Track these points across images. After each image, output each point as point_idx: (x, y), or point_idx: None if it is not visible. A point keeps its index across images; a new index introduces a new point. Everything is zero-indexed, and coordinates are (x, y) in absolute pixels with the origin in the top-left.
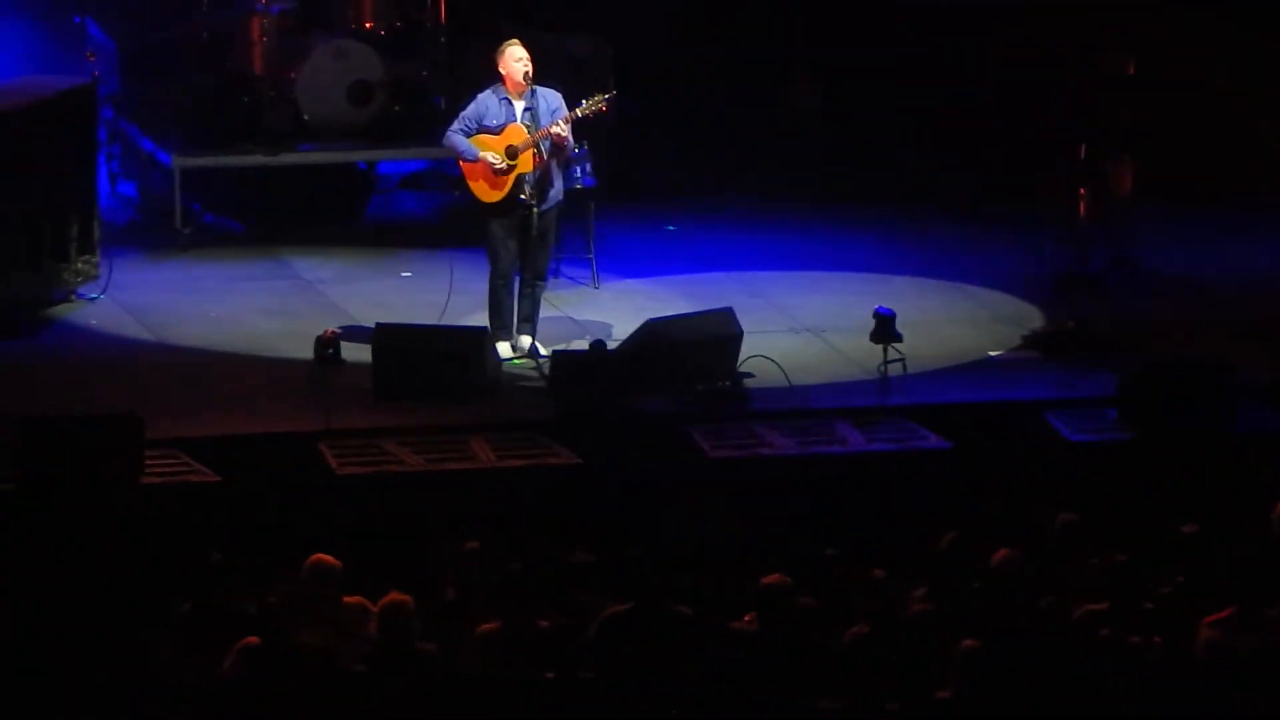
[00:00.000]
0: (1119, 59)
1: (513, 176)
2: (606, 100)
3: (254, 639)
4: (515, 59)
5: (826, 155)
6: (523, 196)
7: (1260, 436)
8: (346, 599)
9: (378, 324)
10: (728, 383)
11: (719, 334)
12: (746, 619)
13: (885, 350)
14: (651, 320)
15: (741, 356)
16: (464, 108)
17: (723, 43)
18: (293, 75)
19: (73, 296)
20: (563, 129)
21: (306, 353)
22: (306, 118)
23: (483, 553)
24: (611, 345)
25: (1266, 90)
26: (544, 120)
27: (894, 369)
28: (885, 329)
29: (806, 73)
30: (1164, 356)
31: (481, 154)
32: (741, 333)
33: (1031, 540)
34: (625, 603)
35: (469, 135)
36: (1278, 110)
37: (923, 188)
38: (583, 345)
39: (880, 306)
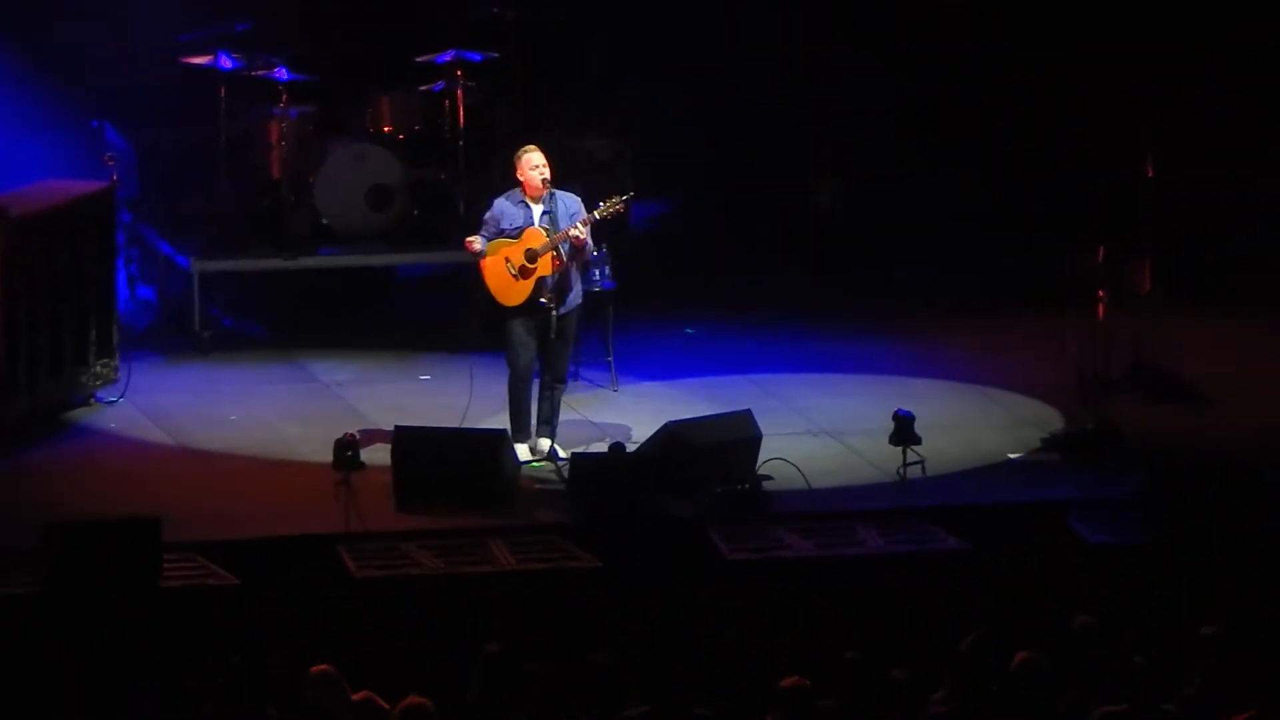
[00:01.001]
0: (1138, 160)
1: (532, 280)
2: (624, 202)
3: None
4: (532, 166)
5: (847, 257)
6: (542, 299)
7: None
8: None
9: (397, 426)
10: (747, 485)
11: (738, 436)
12: None
13: (904, 453)
14: (671, 423)
15: (760, 459)
16: (484, 213)
17: (744, 144)
18: (311, 179)
19: (91, 400)
20: (581, 231)
21: (325, 456)
22: (325, 221)
23: (503, 655)
24: (630, 448)
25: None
26: (562, 223)
27: (913, 471)
28: (904, 431)
29: (829, 175)
30: (1186, 458)
31: (500, 256)
32: (761, 435)
33: (1050, 642)
34: (645, 704)
35: (489, 240)
36: None
37: (941, 290)
38: (602, 448)
39: (899, 409)
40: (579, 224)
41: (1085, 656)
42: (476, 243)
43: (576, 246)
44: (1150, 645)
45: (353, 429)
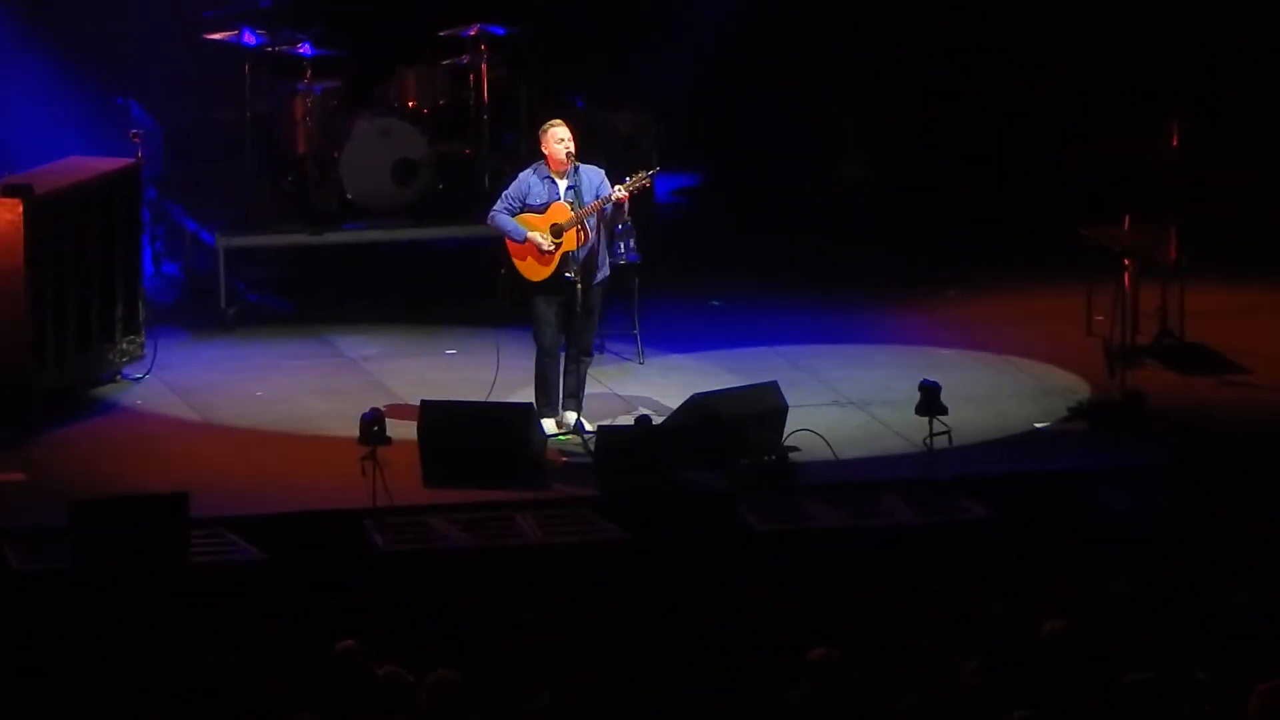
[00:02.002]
0: (1165, 129)
1: (558, 255)
2: (650, 176)
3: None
4: (557, 140)
5: (874, 229)
6: (568, 274)
7: None
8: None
9: (423, 401)
10: (773, 457)
11: (764, 408)
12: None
13: (931, 423)
14: (697, 395)
15: (787, 430)
16: (506, 186)
17: (769, 118)
18: (336, 154)
19: (118, 376)
20: (622, 194)
21: (352, 431)
22: (350, 196)
23: (528, 628)
24: (657, 420)
25: None
26: (587, 198)
27: (940, 441)
28: (931, 401)
29: (858, 148)
30: (1212, 426)
31: (529, 235)
32: (787, 406)
33: (1080, 610)
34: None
35: (513, 214)
36: None
37: (968, 261)
38: (628, 421)
39: (925, 379)
40: (614, 193)
41: (1116, 624)
42: (546, 243)
43: (618, 207)
44: (1180, 613)
45: (379, 403)
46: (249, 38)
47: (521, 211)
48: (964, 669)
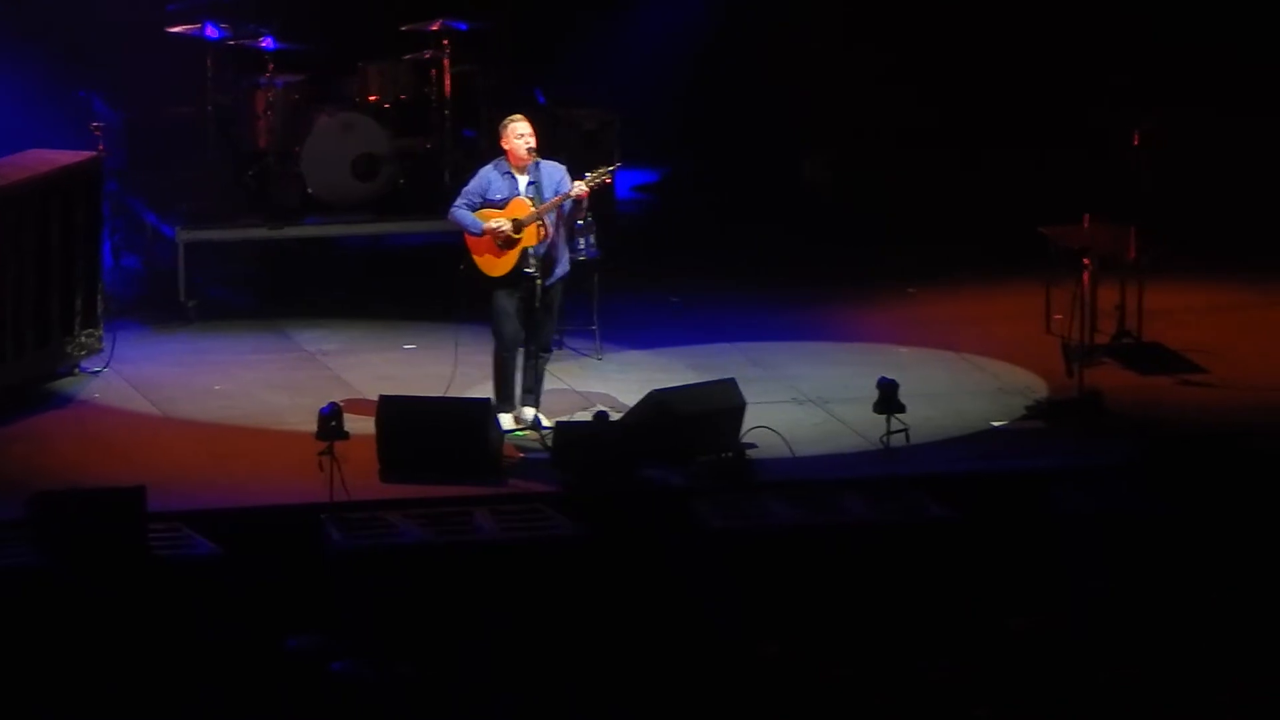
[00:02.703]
0: (1125, 129)
1: (518, 250)
2: (611, 173)
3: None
4: (518, 135)
5: (835, 227)
6: (527, 270)
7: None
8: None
9: (381, 396)
10: (731, 454)
11: (722, 405)
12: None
13: (889, 421)
14: (655, 391)
15: (745, 427)
16: (467, 182)
17: (732, 114)
18: (298, 149)
19: (76, 370)
20: (583, 189)
21: (310, 425)
22: (311, 191)
23: (490, 623)
24: (615, 417)
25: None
26: (547, 194)
27: (897, 439)
28: (889, 399)
29: (820, 146)
30: (1179, 430)
31: (486, 225)
32: (745, 403)
33: (1043, 608)
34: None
35: (474, 210)
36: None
37: (927, 259)
38: (586, 417)
39: (883, 377)
40: (575, 189)
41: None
42: (506, 226)
43: (579, 200)
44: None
45: (338, 398)
46: (211, 31)
47: (482, 207)
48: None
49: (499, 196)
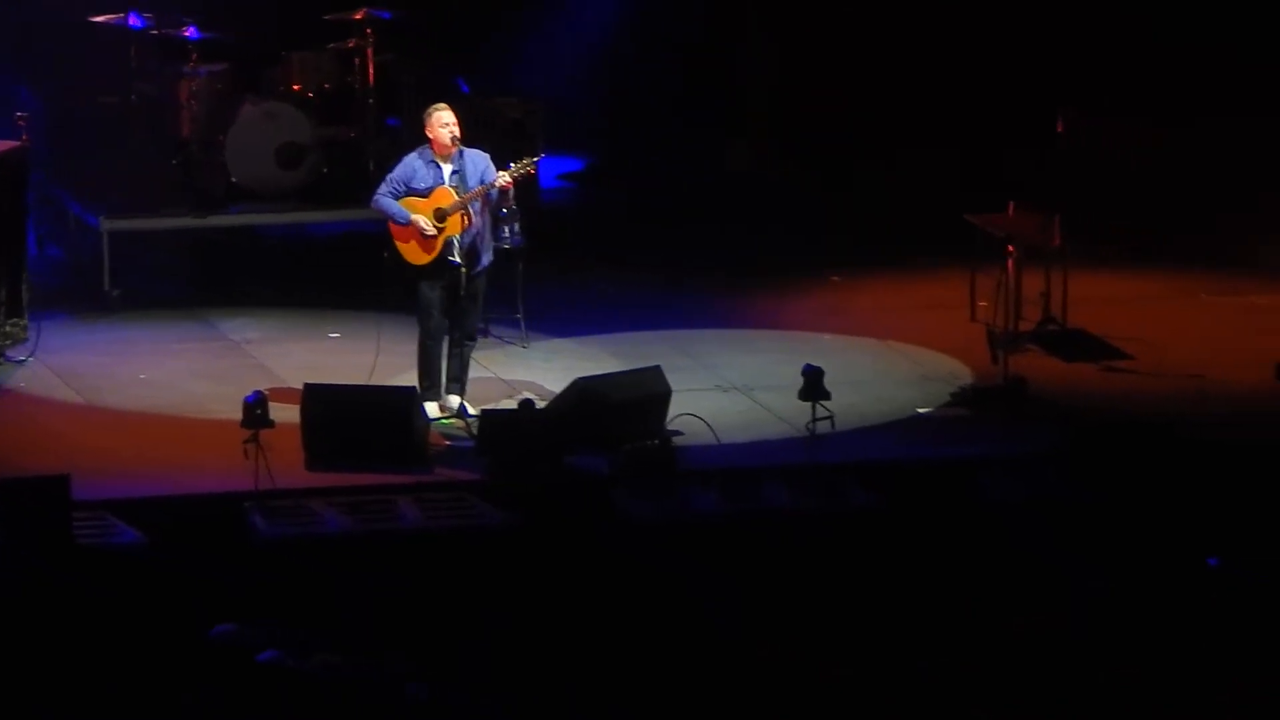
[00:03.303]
0: (1049, 116)
1: (441, 239)
2: (535, 162)
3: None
4: (442, 124)
5: (759, 215)
6: (452, 258)
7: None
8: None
9: (306, 385)
10: (656, 441)
11: (648, 392)
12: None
13: (814, 408)
14: (580, 379)
15: (670, 415)
16: (391, 170)
17: (654, 104)
18: (221, 138)
19: (1, 359)
20: (506, 179)
21: (235, 414)
22: (235, 180)
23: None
24: (540, 404)
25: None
26: (471, 183)
27: (823, 426)
28: (814, 386)
29: (744, 134)
30: (1102, 415)
31: (413, 219)
32: (670, 391)
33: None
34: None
35: (397, 198)
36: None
37: (852, 245)
38: (511, 404)
39: (808, 364)
40: (502, 176)
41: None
42: (429, 227)
43: (503, 192)
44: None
45: (262, 387)
46: (135, 20)
47: (406, 195)
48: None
49: (423, 185)
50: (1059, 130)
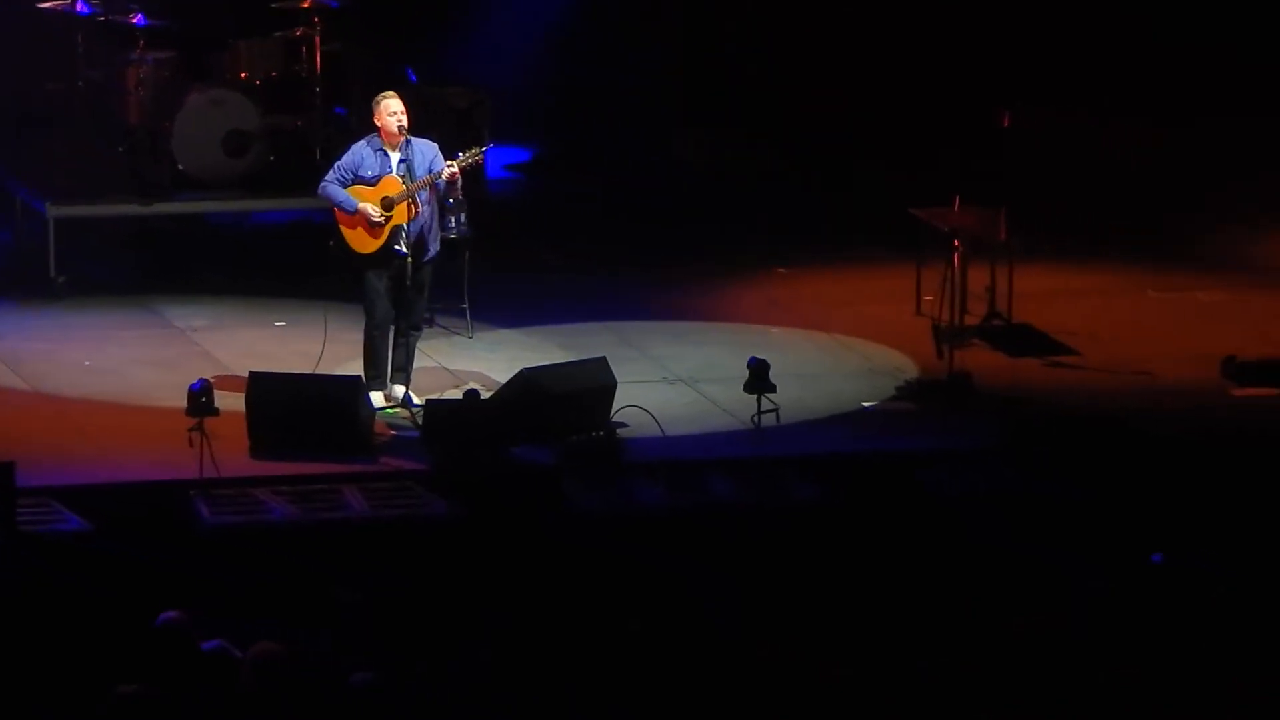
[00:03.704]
0: (994, 111)
1: (388, 228)
2: (483, 151)
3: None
4: (390, 112)
5: (705, 207)
6: (398, 247)
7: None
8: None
9: (251, 373)
10: (601, 433)
11: (593, 384)
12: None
13: (759, 401)
14: (525, 370)
15: (615, 406)
16: (339, 158)
17: (603, 93)
18: (168, 125)
19: None
20: (454, 169)
21: (180, 402)
22: (181, 167)
23: (357, 602)
24: (485, 395)
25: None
26: (419, 172)
27: (768, 419)
28: (759, 379)
29: (688, 125)
30: (1047, 409)
31: (360, 207)
32: (616, 383)
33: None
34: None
35: (345, 186)
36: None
37: (798, 237)
38: (456, 395)
39: (754, 357)
40: (450, 167)
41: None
42: (376, 215)
43: (450, 182)
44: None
45: (208, 374)
46: (82, 6)
47: (353, 183)
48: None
49: (370, 173)
50: (1004, 125)
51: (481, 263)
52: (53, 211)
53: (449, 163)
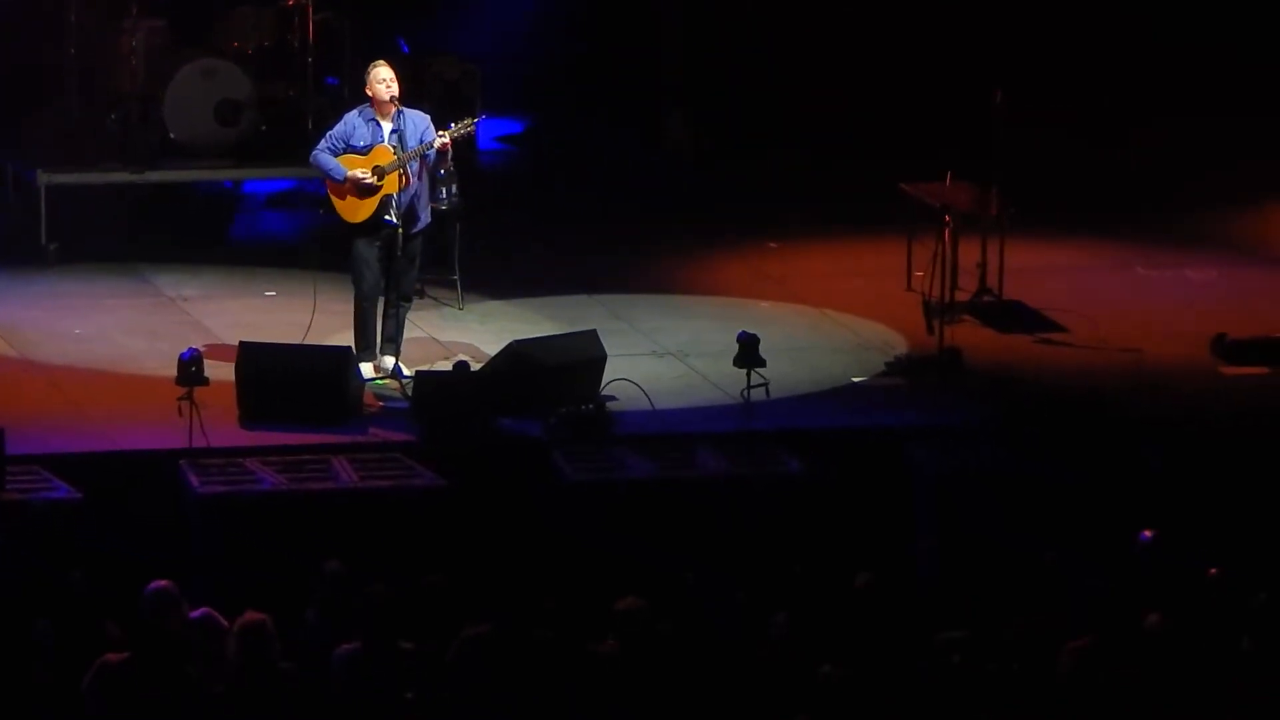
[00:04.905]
0: (986, 89)
1: (379, 197)
2: (474, 123)
3: (114, 656)
4: (380, 80)
5: (696, 180)
6: (388, 217)
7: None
8: (194, 612)
9: (241, 342)
10: (591, 405)
11: (583, 357)
12: (608, 644)
13: (749, 375)
14: (515, 342)
15: (605, 379)
16: (331, 127)
17: (600, 68)
18: (160, 94)
19: None
20: (445, 139)
21: (170, 371)
22: (173, 136)
23: (344, 573)
24: (475, 366)
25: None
26: (411, 142)
27: (757, 394)
28: (749, 353)
29: (680, 100)
30: (1037, 386)
31: (349, 174)
32: (605, 355)
33: (892, 565)
34: (484, 625)
35: (336, 155)
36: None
37: (788, 213)
38: (446, 366)
39: (743, 331)
40: (438, 139)
41: (931, 581)
42: (367, 176)
43: (441, 153)
44: (993, 571)
45: (198, 344)
46: None
47: (345, 152)
48: (774, 622)
49: (362, 143)
50: (996, 100)
51: (472, 234)
52: (44, 179)
53: (440, 133)
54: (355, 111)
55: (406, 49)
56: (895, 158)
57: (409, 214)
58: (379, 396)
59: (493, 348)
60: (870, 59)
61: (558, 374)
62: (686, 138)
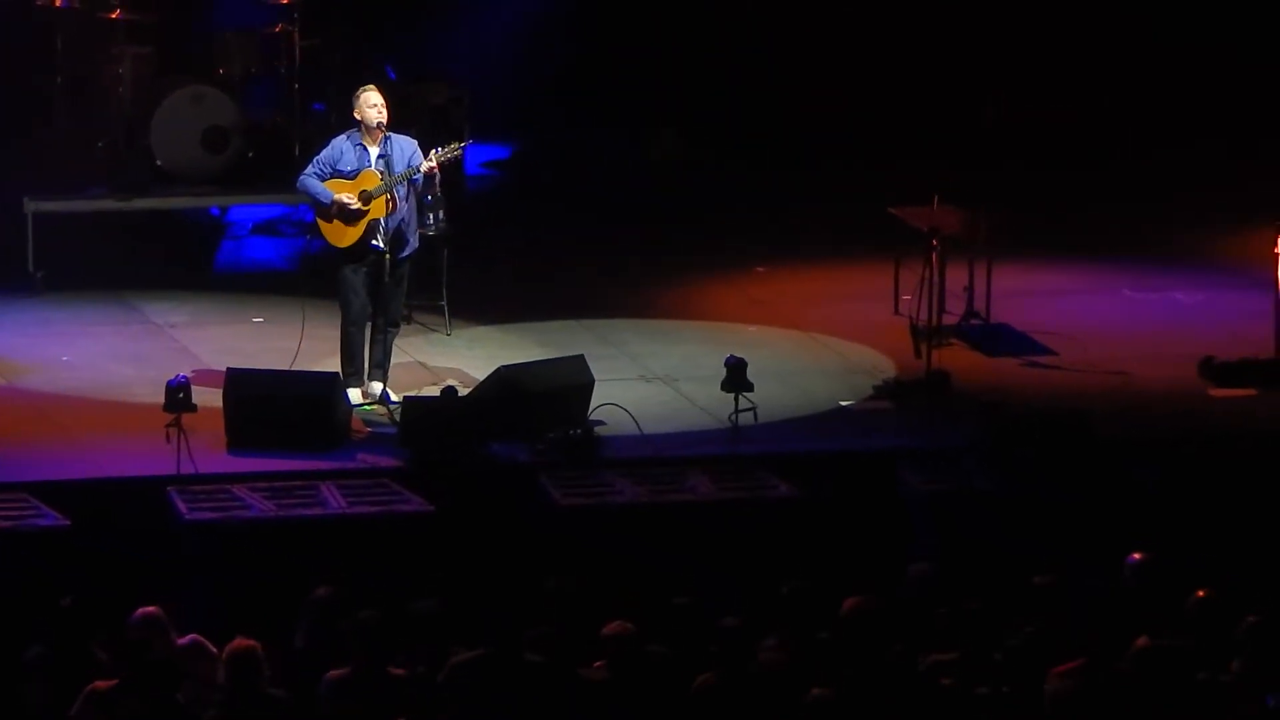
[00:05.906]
0: (975, 109)
1: (365, 222)
2: (461, 148)
3: (102, 683)
4: (369, 104)
5: (684, 204)
6: (375, 242)
7: (1114, 488)
8: (182, 639)
9: (229, 369)
10: (579, 430)
11: (571, 381)
12: (597, 666)
13: (737, 399)
14: (503, 367)
15: (593, 404)
16: (319, 152)
17: (585, 92)
18: (147, 120)
19: None
20: (433, 162)
21: (158, 397)
22: (160, 163)
23: (333, 599)
24: (463, 392)
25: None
26: (398, 167)
27: (745, 418)
28: (736, 378)
29: (669, 124)
30: (1022, 409)
31: (336, 198)
32: (593, 380)
33: (882, 589)
34: (475, 650)
35: (323, 180)
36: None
37: (776, 235)
38: (434, 392)
39: (732, 355)
40: (430, 161)
41: (917, 604)
42: (353, 202)
43: (429, 178)
44: (983, 594)
45: (186, 370)
46: (62, 0)
47: (332, 177)
48: (763, 646)
49: (349, 168)
50: (986, 120)
51: (460, 259)
52: (31, 206)
53: (427, 156)
54: (343, 136)
55: (394, 75)
56: (883, 180)
57: (396, 239)
58: (367, 422)
59: (481, 373)
60: (862, 75)
61: (546, 399)
62: (674, 157)
